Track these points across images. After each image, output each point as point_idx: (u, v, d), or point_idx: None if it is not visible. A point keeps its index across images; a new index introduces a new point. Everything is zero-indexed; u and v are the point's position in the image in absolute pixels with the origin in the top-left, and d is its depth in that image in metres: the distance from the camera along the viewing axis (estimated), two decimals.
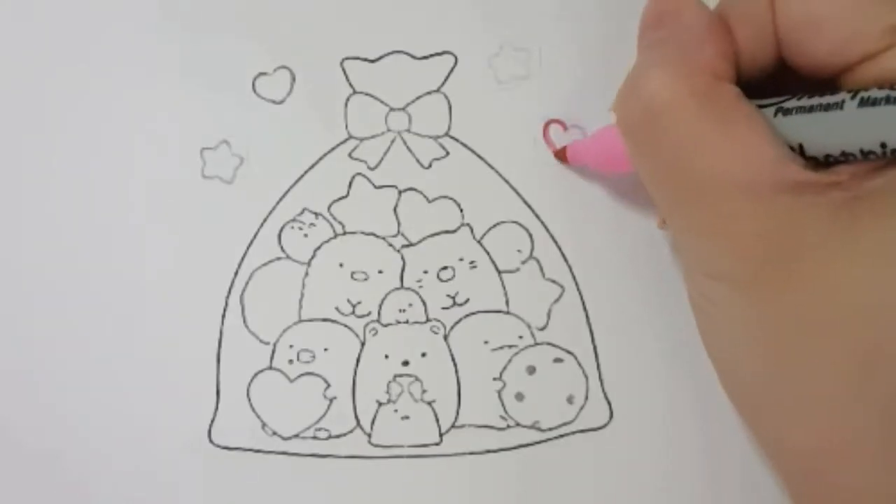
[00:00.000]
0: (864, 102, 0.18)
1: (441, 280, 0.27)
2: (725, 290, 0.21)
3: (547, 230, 0.28)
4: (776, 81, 0.21)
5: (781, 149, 0.19)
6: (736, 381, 0.22)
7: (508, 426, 0.27)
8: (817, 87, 0.20)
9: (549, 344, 0.27)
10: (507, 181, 0.28)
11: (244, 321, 0.27)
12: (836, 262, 0.19)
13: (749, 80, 0.21)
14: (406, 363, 0.27)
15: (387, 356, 0.27)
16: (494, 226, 0.28)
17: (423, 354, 0.27)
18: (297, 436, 0.27)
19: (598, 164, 0.26)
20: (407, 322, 0.27)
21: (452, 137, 0.28)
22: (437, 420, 0.27)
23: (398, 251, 0.28)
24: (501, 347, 0.27)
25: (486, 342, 0.27)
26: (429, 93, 0.28)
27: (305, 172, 0.28)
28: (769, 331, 0.20)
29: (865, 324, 0.19)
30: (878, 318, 0.18)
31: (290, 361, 0.27)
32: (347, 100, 0.28)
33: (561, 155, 0.27)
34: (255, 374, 0.27)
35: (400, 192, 0.28)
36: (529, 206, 0.28)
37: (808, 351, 0.19)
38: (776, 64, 0.21)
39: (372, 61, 0.28)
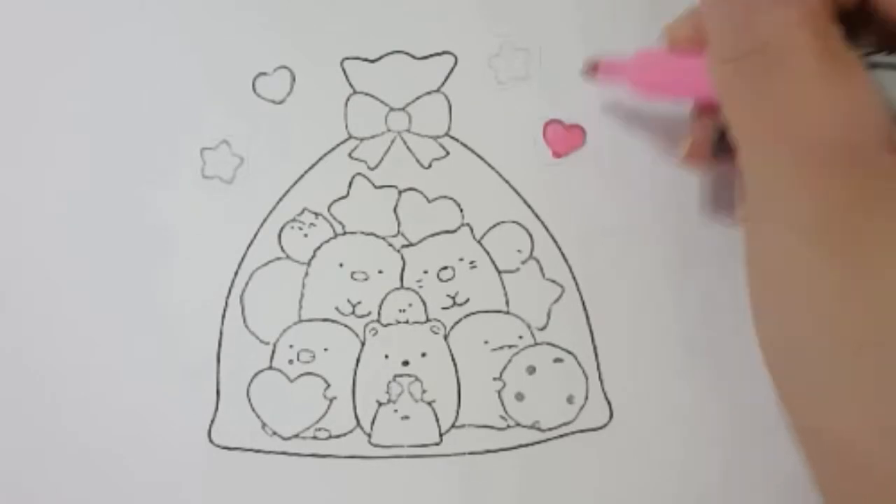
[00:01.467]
0: None
1: (441, 280, 0.27)
2: (797, 242, 0.20)
3: (547, 230, 0.28)
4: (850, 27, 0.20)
5: (887, 109, 0.19)
6: (781, 350, 0.21)
7: (508, 426, 0.27)
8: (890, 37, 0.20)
9: (549, 344, 0.27)
10: (507, 181, 0.28)
11: (244, 321, 0.27)
12: None
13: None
14: (406, 363, 0.27)
15: (387, 356, 0.27)
16: (494, 226, 0.28)
17: (423, 354, 0.27)
18: (297, 436, 0.27)
19: (637, 84, 0.25)
20: (407, 322, 0.27)
21: (452, 137, 0.28)
22: (437, 420, 0.27)
23: (398, 251, 0.28)
24: (501, 347, 0.27)
25: (486, 342, 0.27)
26: (429, 93, 0.28)
27: (305, 172, 0.28)
28: (837, 291, 0.19)
29: None
30: None
31: (290, 361, 0.27)
32: (347, 100, 0.28)
33: (592, 71, 0.26)
34: (255, 374, 0.27)
35: (400, 192, 0.28)
36: (529, 206, 0.28)
37: (874, 322, 0.19)
38: (857, 8, 0.20)
39: (372, 61, 0.28)
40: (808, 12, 0.19)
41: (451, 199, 0.28)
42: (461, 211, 0.28)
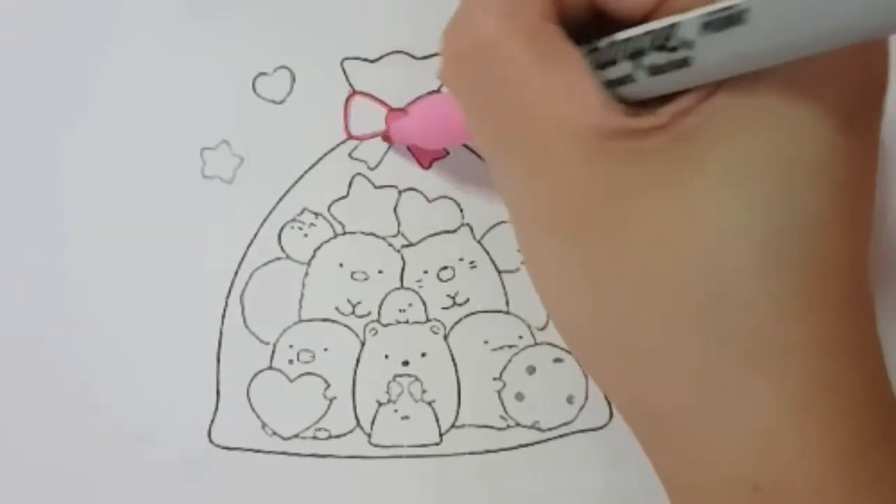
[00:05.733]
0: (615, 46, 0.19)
1: (441, 280, 0.27)
2: (550, 240, 0.20)
3: None
4: (599, 30, 0.20)
5: (605, 94, 0.19)
6: (572, 336, 0.22)
7: (508, 426, 0.27)
8: None
9: (549, 344, 0.27)
10: None
11: (244, 321, 0.27)
12: (660, 207, 0.18)
13: (573, 28, 0.20)
14: (406, 363, 0.27)
15: (387, 356, 0.27)
16: (494, 226, 0.28)
17: (423, 354, 0.27)
18: (297, 436, 0.27)
19: (425, 140, 0.26)
20: (407, 322, 0.27)
21: None
22: (437, 420, 0.27)
23: (398, 251, 0.28)
24: (501, 347, 0.27)
25: (486, 342, 0.27)
26: (429, 93, 0.28)
27: (305, 172, 0.28)
28: (596, 283, 0.19)
29: (693, 267, 0.18)
30: (704, 258, 0.18)
31: (290, 361, 0.27)
32: (347, 100, 0.28)
33: (387, 136, 0.27)
34: (255, 374, 0.27)
35: (400, 192, 0.28)
36: None
37: (638, 302, 0.19)
38: (593, 12, 0.20)
39: (372, 61, 0.28)
40: (512, 10, 0.19)
41: (451, 199, 0.28)
42: (461, 211, 0.28)
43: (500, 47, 0.19)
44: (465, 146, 0.28)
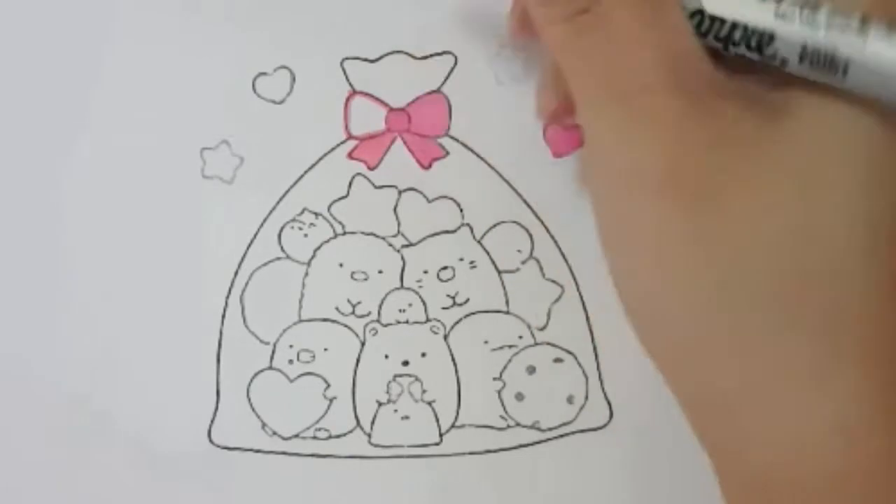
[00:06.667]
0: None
1: (441, 280, 0.27)
2: (649, 203, 0.20)
3: (547, 230, 0.28)
4: None
5: (706, 58, 0.19)
6: (644, 313, 0.21)
7: (508, 426, 0.27)
8: None
9: (549, 344, 0.27)
10: (507, 181, 0.28)
11: (244, 321, 0.27)
12: (767, 178, 0.19)
13: None
14: (406, 363, 0.27)
15: (387, 356, 0.27)
16: (494, 226, 0.28)
17: (423, 354, 0.27)
18: (297, 436, 0.27)
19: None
20: (407, 322, 0.27)
21: (452, 137, 0.28)
22: (437, 420, 0.27)
23: (398, 251, 0.28)
24: (501, 347, 0.27)
25: (486, 342, 0.27)
26: (429, 93, 0.28)
27: (305, 172, 0.28)
28: (696, 249, 0.19)
29: (800, 240, 0.19)
30: (810, 233, 0.19)
31: (290, 361, 0.27)
32: (347, 100, 0.28)
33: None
34: (255, 374, 0.27)
35: (400, 192, 0.28)
36: (529, 206, 0.28)
37: (738, 272, 0.19)
38: None
39: (372, 61, 0.28)
40: None
41: (451, 199, 0.28)
42: (461, 211, 0.28)
43: (607, 9, 0.20)
44: (464, 146, 0.28)
